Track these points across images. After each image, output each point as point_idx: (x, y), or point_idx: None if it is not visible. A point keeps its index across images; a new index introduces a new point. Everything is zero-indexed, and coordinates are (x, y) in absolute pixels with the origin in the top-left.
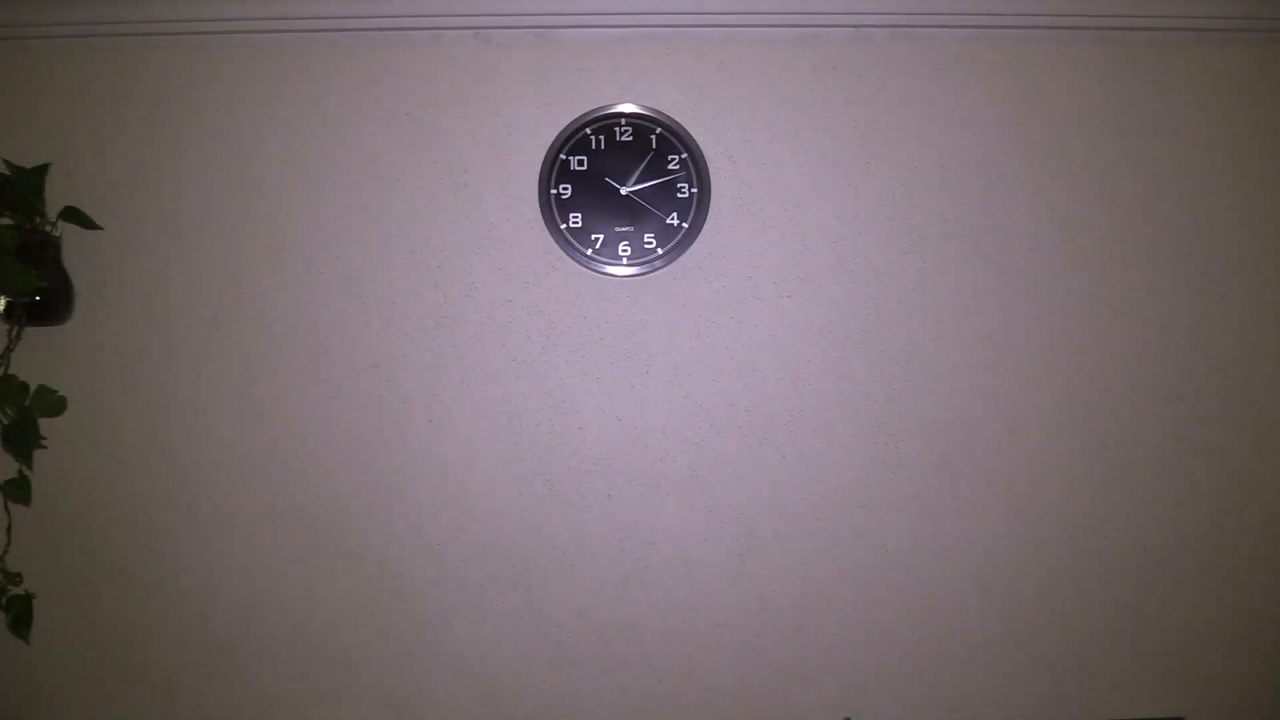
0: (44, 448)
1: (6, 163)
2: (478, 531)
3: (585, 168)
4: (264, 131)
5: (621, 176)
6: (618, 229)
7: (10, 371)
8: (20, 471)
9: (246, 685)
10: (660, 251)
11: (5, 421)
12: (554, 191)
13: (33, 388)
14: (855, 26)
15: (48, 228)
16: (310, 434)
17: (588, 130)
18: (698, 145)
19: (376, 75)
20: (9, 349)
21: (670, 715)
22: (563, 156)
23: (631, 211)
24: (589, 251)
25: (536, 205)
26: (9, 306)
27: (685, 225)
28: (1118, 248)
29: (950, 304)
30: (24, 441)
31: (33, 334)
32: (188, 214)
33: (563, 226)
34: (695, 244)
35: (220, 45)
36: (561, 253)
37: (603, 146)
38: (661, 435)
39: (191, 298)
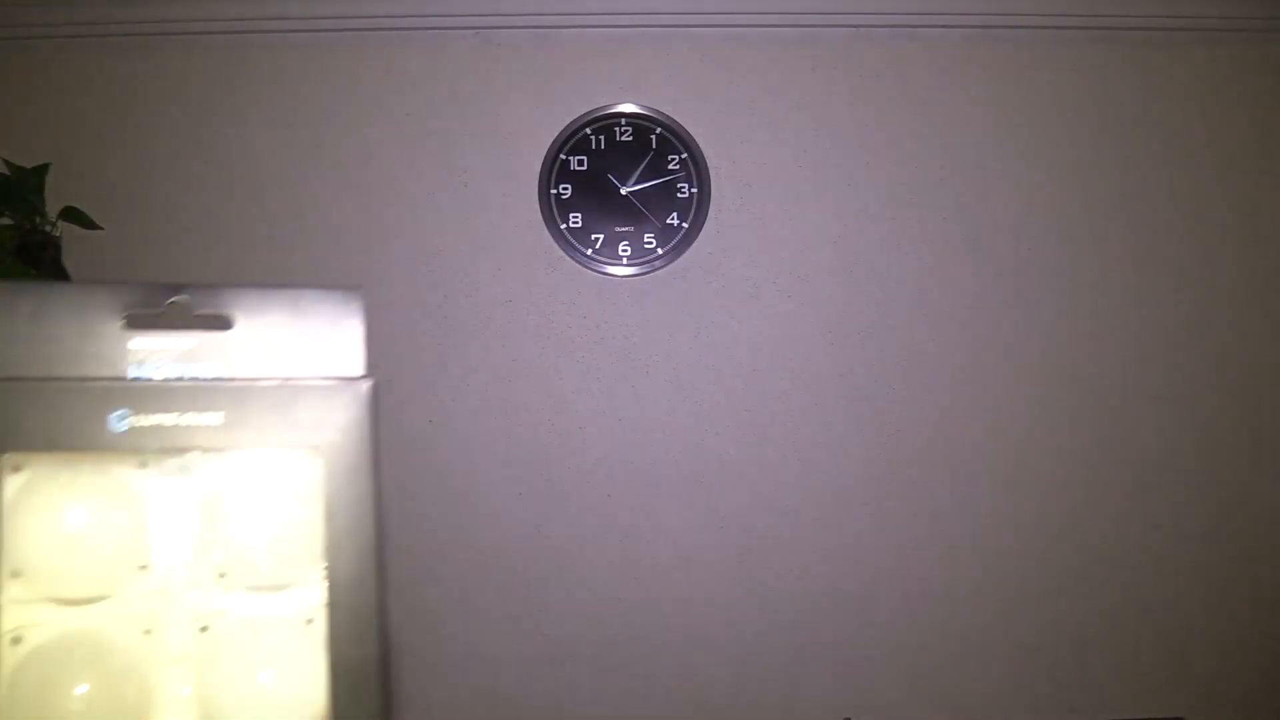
0: None
1: (6, 163)
2: (478, 531)
3: (585, 168)
4: (264, 131)
5: (621, 176)
6: (618, 229)
7: None
8: None
9: None
10: (660, 251)
11: None
12: (554, 191)
13: None
14: (855, 26)
15: (48, 228)
16: None
17: (588, 130)
18: (698, 145)
19: (376, 75)
20: None
21: (670, 715)
22: (563, 156)
23: (631, 211)
24: (589, 251)
25: (536, 205)
26: None
27: (685, 225)
28: (1117, 248)
29: (950, 304)
30: None
31: None
32: (188, 214)
33: (563, 226)
34: (695, 244)
35: (220, 45)
36: (561, 253)
37: (603, 146)
38: (661, 435)
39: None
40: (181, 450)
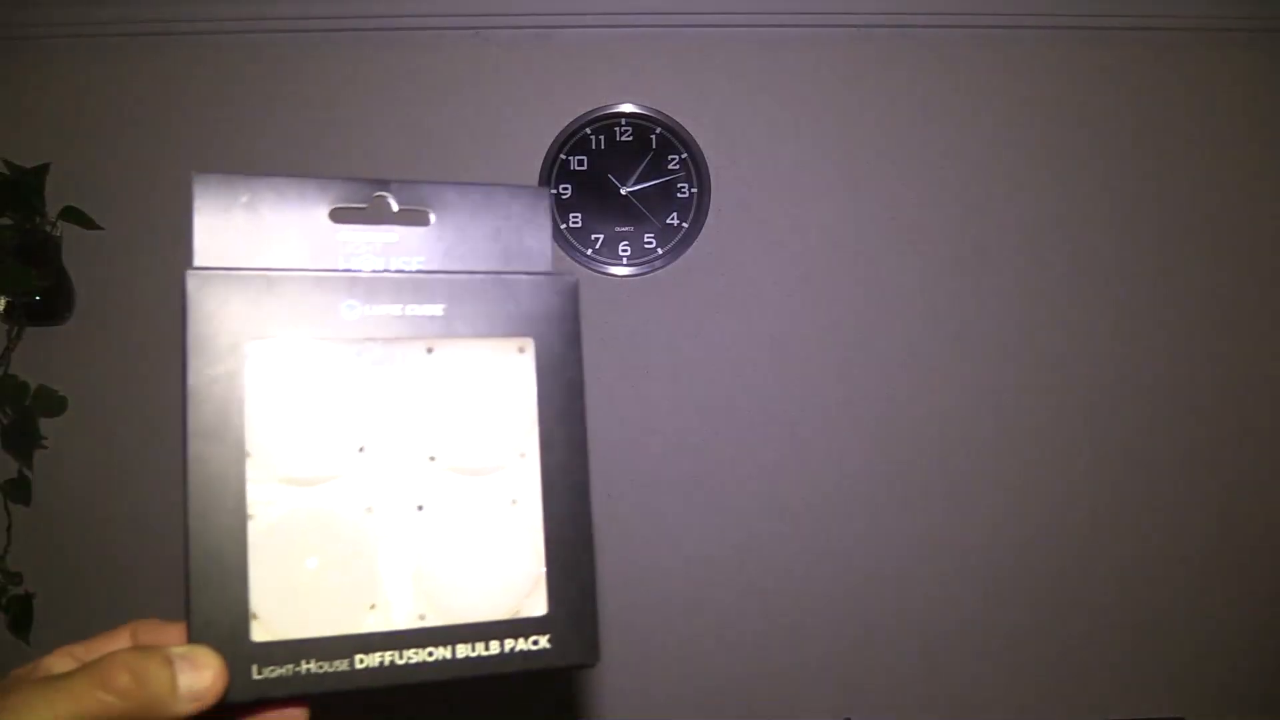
0: (44, 448)
1: (6, 163)
2: None
3: (585, 168)
4: (264, 131)
5: (621, 176)
6: (618, 229)
7: (10, 371)
8: (20, 471)
9: None
10: (660, 251)
11: (5, 421)
12: (554, 191)
13: (33, 388)
14: (855, 26)
15: (48, 228)
16: None
17: (588, 130)
18: (698, 145)
19: (376, 75)
20: (9, 349)
21: (670, 715)
22: (563, 156)
23: (631, 211)
24: (589, 251)
25: None
26: (9, 306)
27: (685, 225)
28: (1117, 248)
29: (950, 304)
30: (24, 441)
31: (33, 334)
32: (188, 214)
33: (563, 226)
34: (695, 244)
35: (220, 45)
36: (561, 253)
37: (603, 146)
38: (661, 435)
39: None
40: (406, 339)
